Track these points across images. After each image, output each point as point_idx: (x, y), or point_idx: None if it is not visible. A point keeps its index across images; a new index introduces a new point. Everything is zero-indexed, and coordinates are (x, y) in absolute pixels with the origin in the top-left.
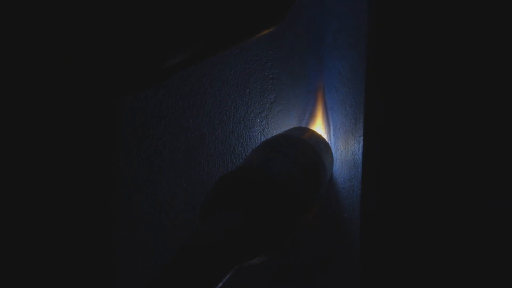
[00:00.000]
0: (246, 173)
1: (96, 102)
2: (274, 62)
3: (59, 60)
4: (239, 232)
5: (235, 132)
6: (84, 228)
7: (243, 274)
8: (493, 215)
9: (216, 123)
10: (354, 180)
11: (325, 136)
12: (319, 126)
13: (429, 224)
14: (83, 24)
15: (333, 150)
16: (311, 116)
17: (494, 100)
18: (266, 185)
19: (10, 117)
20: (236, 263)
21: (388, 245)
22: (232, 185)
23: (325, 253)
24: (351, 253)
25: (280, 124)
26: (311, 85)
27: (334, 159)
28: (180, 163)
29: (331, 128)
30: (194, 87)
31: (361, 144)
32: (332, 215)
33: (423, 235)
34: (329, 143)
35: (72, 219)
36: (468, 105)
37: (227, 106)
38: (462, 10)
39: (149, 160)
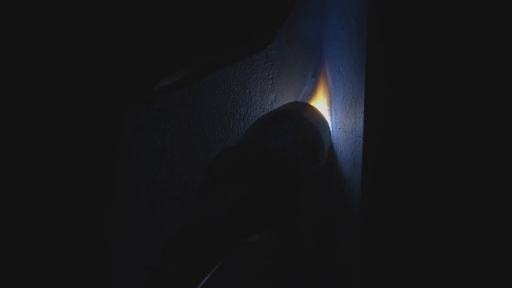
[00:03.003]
0: (245, 149)
1: (96, 102)
2: (274, 62)
3: (59, 60)
4: (239, 208)
5: (235, 132)
6: (84, 228)
7: (244, 273)
8: (493, 215)
9: (216, 123)
10: (354, 180)
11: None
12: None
13: (429, 224)
14: (83, 24)
15: (333, 151)
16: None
17: (494, 100)
18: (265, 160)
19: (10, 117)
20: (238, 238)
21: (388, 245)
22: (231, 161)
23: (325, 253)
24: (351, 253)
25: None
26: (312, 85)
27: (335, 159)
28: (180, 163)
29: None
30: (194, 87)
31: (361, 144)
32: (333, 215)
33: (423, 235)
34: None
35: (72, 219)
36: (468, 105)
37: (227, 106)
38: (462, 10)
39: (149, 160)
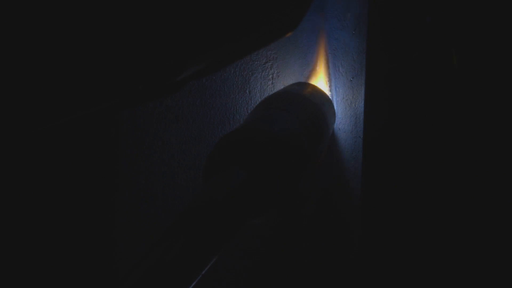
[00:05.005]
0: (247, 132)
1: (107, 113)
2: (274, 62)
3: (69, 71)
4: (243, 190)
5: None
6: (85, 229)
7: (243, 273)
8: (493, 215)
9: (216, 123)
10: (354, 180)
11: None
12: None
13: (429, 224)
14: (93, 32)
15: (332, 151)
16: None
17: (494, 100)
18: (267, 142)
19: (11, 117)
20: (243, 221)
21: (388, 247)
22: (234, 144)
23: (325, 253)
24: (351, 254)
25: None
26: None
27: (335, 159)
28: (180, 163)
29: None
30: (194, 87)
31: (361, 144)
32: (333, 215)
33: (423, 236)
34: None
35: (72, 220)
36: (468, 105)
37: (227, 106)
38: (462, 10)
39: (149, 160)
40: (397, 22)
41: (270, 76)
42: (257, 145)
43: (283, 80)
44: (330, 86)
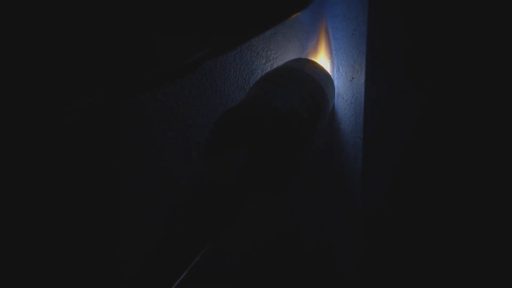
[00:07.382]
0: (247, 109)
1: (108, 103)
2: (274, 62)
3: (67, 63)
4: (246, 167)
5: None
6: (84, 229)
7: (242, 273)
8: (493, 215)
9: None
10: (354, 181)
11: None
12: None
13: (429, 224)
14: (93, 25)
15: (332, 152)
16: None
17: (494, 100)
18: (268, 118)
19: (12, 118)
20: (247, 199)
21: (389, 245)
22: (234, 122)
23: (325, 254)
24: (350, 257)
25: None
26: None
27: (335, 159)
28: (180, 163)
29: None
30: (194, 87)
31: (361, 144)
32: (334, 214)
33: (423, 235)
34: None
35: (72, 220)
36: (468, 105)
37: (227, 106)
38: (462, 10)
39: (149, 160)
40: (396, 23)
41: None
42: (257, 122)
43: None
44: None
